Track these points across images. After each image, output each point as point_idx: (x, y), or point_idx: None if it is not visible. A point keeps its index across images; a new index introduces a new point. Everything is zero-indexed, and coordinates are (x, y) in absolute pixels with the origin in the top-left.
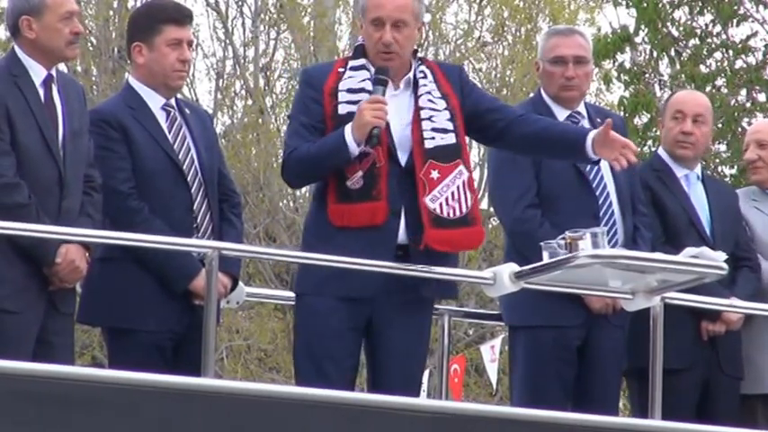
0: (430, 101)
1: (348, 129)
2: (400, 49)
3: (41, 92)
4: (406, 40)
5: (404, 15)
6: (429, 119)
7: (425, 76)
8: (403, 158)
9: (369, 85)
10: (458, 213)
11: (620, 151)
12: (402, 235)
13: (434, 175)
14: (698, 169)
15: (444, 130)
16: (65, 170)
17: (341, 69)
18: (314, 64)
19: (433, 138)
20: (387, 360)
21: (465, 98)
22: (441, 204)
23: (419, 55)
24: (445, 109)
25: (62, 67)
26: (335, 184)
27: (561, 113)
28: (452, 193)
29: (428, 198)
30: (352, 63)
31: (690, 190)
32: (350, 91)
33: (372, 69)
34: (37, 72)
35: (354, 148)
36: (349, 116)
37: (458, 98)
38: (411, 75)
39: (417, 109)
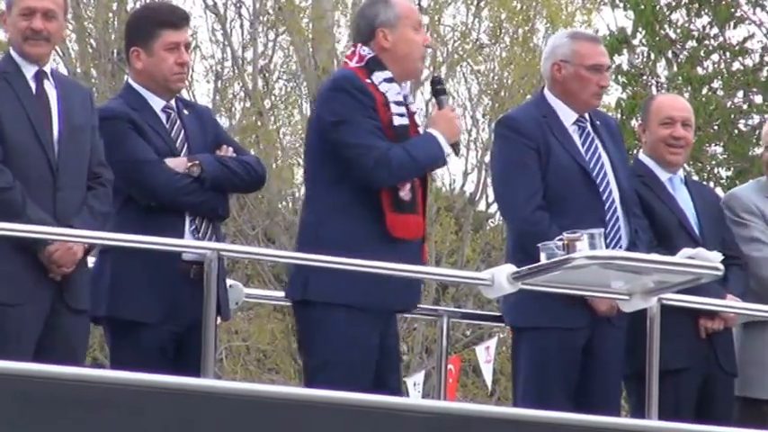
0: None
1: (441, 138)
2: None
3: (33, 85)
4: None
5: None
6: None
7: None
8: None
9: (401, 97)
10: None
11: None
12: None
13: None
14: (680, 172)
15: None
16: (59, 161)
17: (368, 81)
18: (344, 72)
19: None
20: (394, 365)
21: None
22: None
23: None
24: None
25: (62, 68)
26: (390, 193)
27: (568, 116)
28: None
29: None
30: (381, 75)
31: (675, 193)
32: (396, 103)
33: (395, 79)
34: (27, 68)
35: (446, 158)
36: (402, 128)
37: None
38: None
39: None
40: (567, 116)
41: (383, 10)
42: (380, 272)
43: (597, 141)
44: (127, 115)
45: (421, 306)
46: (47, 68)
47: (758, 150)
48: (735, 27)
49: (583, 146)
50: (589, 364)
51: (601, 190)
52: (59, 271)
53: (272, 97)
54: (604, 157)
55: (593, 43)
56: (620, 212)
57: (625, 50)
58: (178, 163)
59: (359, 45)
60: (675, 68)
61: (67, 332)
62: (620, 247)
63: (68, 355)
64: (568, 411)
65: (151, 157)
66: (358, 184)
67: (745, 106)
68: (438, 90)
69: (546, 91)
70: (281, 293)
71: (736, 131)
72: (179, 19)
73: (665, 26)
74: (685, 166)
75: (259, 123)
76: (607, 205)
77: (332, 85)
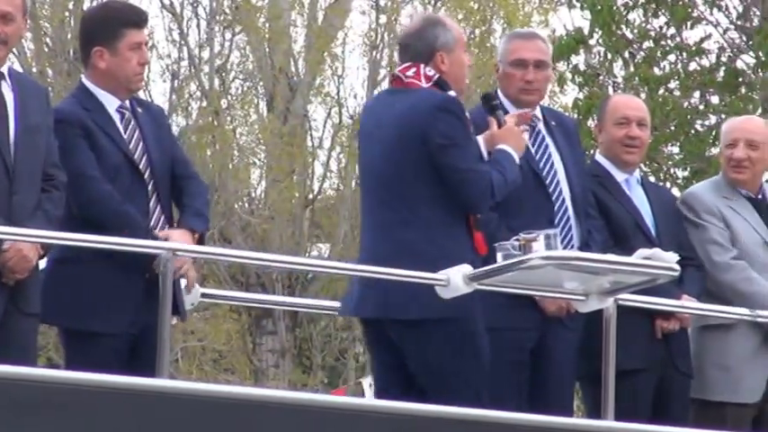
0: None
1: (515, 155)
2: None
3: None
4: None
5: None
6: None
7: None
8: None
9: None
10: None
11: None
12: None
13: None
14: (637, 173)
15: None
16: (15, 164)
17: None
18: (444, 95)
19: None
20: None
21: None
22: None
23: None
24: None
25: (17, 67)
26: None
27: None
28: None
29: None
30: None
31: (631, 193)
32: None
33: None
34: None
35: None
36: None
37: None
38: None
39: None
40: None
41: (442, 33)
42: (329, 271)
43: (549, 141)
44: (79, 119)
45: None
46: (4, 69)
47: (715, 150)
48: (692, 27)
49: (533, 146)
50: (540, 366)
51: (551, 191)
52: (12, 277)
53: (229, 97)
54: (555, 158)
55: (522, 40)
56: (570, 213)
57: (582, 50)
58: (185, 238)
59: (421, 65)
60: (632, 68)
61: (19, 335)
62: (572, 248)
63: (21, 356)
64: (520, 412)
65: (92, 172)
66: (457, 206)
67: (701, 107)
68: (494, 105)
69: (499, 91)
70: (238, 293)
71: (692, 132)
72: (141, 19)
73: (622, 26)
74: (642, 166)
75: (215, 123)
76: (557, 206)
77: (440, 105)
